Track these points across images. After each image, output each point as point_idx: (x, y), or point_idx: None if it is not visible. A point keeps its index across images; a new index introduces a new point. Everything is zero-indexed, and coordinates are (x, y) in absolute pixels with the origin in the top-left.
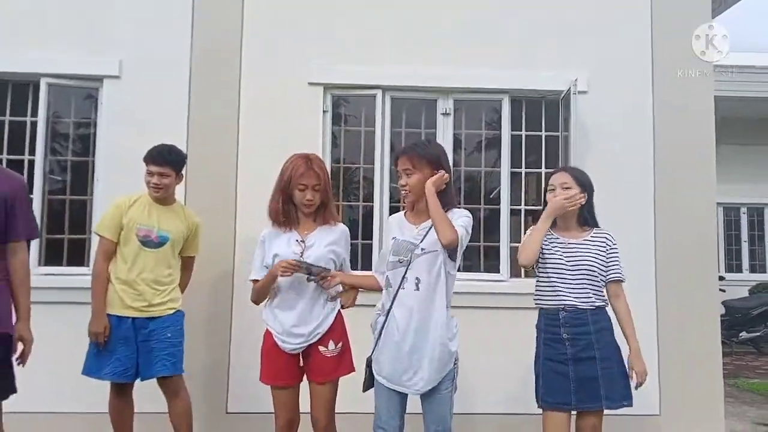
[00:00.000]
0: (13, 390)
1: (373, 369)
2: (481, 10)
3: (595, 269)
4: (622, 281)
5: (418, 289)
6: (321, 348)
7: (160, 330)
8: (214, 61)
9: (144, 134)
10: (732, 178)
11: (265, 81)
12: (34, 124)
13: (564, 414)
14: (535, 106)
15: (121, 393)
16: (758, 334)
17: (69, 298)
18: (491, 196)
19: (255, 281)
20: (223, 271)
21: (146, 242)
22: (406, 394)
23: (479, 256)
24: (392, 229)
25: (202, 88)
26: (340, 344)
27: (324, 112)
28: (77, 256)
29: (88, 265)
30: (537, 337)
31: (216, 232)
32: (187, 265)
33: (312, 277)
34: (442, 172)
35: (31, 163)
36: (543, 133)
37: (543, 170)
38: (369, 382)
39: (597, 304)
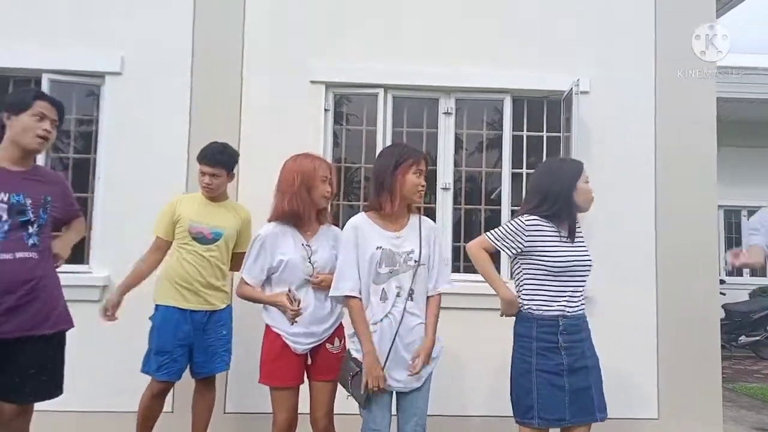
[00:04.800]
0: (61, 391)
1: (387, 381)
2: (483, 10)
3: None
4: None
5: (412, 299)
6: (328, 345)
7: (217, 327)
8: (216, 58)
9: (146, 131)
10: (733, 180)
11: (266, 78)
12: None
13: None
14: (537, 106)
15: (162, 393)
16: (758, 338)
17: (69, 296)
18: (492, 197)
19: (247, 283)
20: None
21: (200, 239)
22: (392, 394)
23: None
24: (368, 237)
25: (203, 86)
26: (342, 341)
27: (326, 110)
28: (77, 254)
29: (88, 263)
30: (520, 345)
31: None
32: (236, 261)
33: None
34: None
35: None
36: (544, 134)
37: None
38: (366, 394)
39: (584, 307)
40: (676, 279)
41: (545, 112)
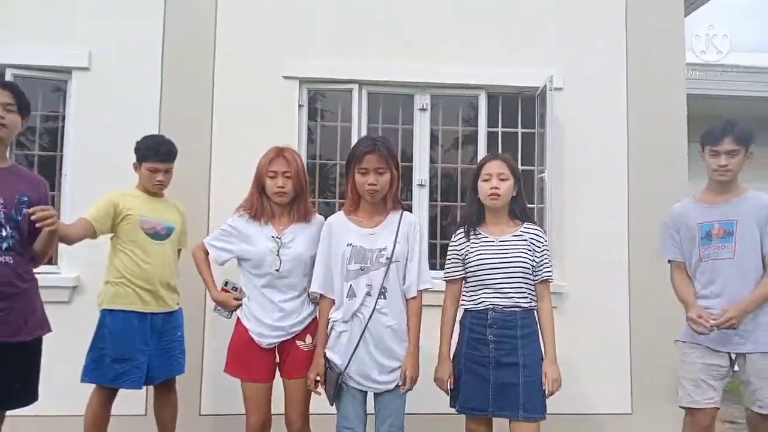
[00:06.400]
0: (36, 398)
1: (344, 378)
2: (458, 6)
3: (528, 267)
4: (550, 281)
5: (385, 297)
6: (299, 342)
7: (172, 329)
8: (187, 53)
9: (114, 128)
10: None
11: (239, 74)
12: None
13: (483, 419)
14: (512, 102)
15: (111, 400)
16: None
17: None
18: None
19: (204, 252)
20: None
21: (153, 234)
22: (366, 393)
23: None
24: (340, 234)
25: (174, 82)
26: (314, 339)
27: (300, 106)
28: None
29: (57, 263)
30: (460, 334)
31: (189, 229)
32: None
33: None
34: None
35: None
36: (519, 130)
37: (519, 167)
38: (336, 392)
39: (526, 305)
40: (648, 275)
41: (520, 109)
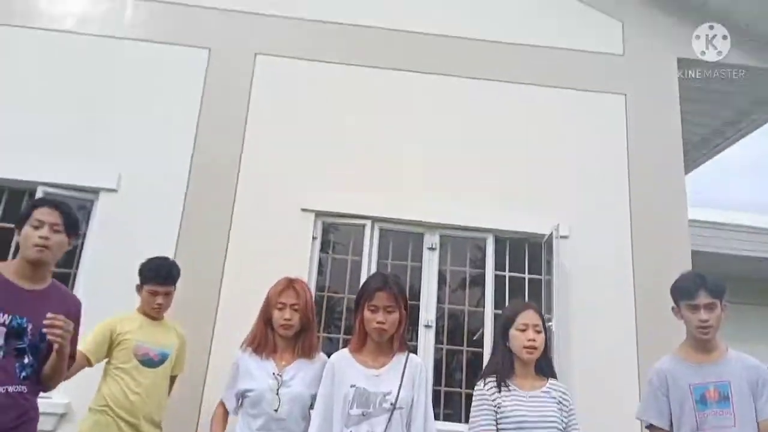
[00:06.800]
0: None
1: None
2: (470, 152)
3: (560, 426)
4: None
5: None
6: None
7: None
8: (211, 184)
9: (130, 251)
10: (741, 337)
11: (258, 202)
12: None
13: None
14: (519, 247)
15: None
16: None
17: None
18: (474, 338)
19: (223, 408)
20: (192, 396)
21: (145, 361)
22: None
23: (461, 403)
24: (344, 373)
25: (195, 207)
26: None
27: (313, 238)
28: None
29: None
30: None
31: (189, 353)
32: (171, 385)
33: None
34: None
35: None
36: (526, 275)
37: None
38: None
39: None
40: None
41: (527, 254)
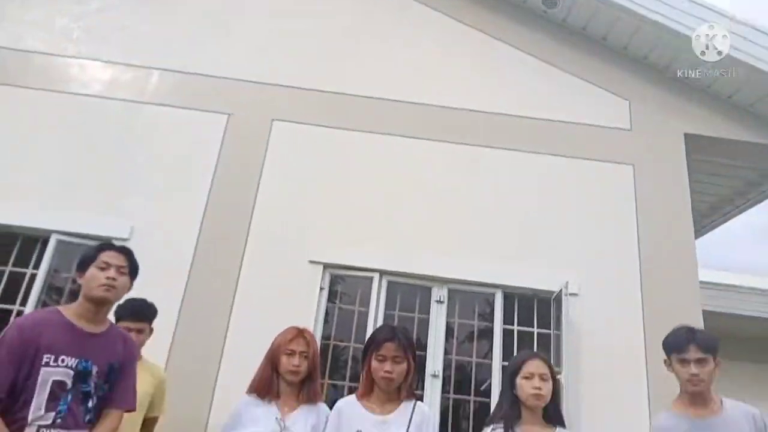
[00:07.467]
0: None
1: None
2: (479, 208)
3: None
4: None
5: None
6: None
7: None
8: (222, 233)
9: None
10: (745, 395)
11: (267, 254)
12: (33, 276)
13: None
14: (528, 302)
15: None
16: None
17: None
18: (482, 389)
19: None
20: None
21: None
22: None
23: None
24: (351, 419)
25: (204, 258)
26: None
27: (321, 289)
28: None
29: None
30: None
31: (192, 400)
32: (149, 428)
33: None
34: None
35: (20, 313)
36: (535, 330)
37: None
38: None
39: None
40: None
41: (536, 309)
